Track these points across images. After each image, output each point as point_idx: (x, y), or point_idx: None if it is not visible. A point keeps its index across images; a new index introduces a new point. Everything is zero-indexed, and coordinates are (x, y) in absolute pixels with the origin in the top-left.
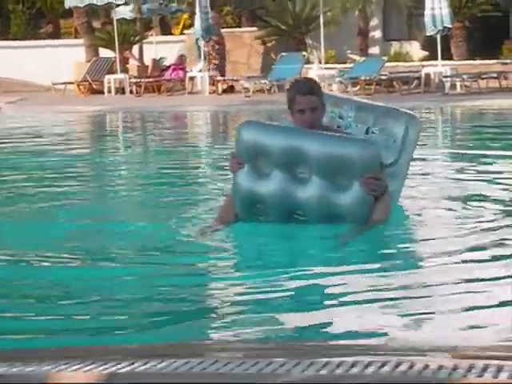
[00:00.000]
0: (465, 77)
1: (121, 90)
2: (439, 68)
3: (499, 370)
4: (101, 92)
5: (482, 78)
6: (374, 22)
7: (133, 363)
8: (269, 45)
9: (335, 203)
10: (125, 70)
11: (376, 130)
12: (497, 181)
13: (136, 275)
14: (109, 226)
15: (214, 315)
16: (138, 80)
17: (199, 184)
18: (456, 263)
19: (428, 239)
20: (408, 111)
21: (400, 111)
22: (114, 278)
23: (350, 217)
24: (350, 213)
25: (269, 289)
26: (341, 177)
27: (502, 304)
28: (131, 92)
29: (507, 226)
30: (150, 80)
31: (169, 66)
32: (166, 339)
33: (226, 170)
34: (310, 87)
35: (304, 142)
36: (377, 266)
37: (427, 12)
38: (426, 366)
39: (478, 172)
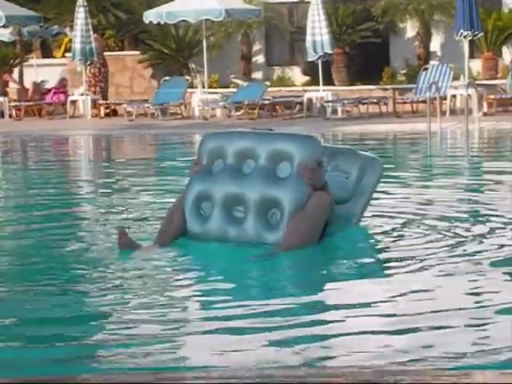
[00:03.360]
0: (345, 102)
1: (0, 114)
2: (321, 93)
3: None
4: None
5: (363, 103)
6: (257, 46)
7: None
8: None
9: (275, 197)
10: (4, 94)
11: (329, 168)
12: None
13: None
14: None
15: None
16: (18, 103)
17: (75, 205)
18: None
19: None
20: (368, 154)
21: (355, 152)
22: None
23: (286, 211)
24: (288, 206)
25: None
26: (281, 169)
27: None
28: (11, 116)
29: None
30: (31, 103)
31: (50, 90)
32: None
33: (103, 188)
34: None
35: (254, 141)
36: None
37: (308, 38)
38: None
39: None
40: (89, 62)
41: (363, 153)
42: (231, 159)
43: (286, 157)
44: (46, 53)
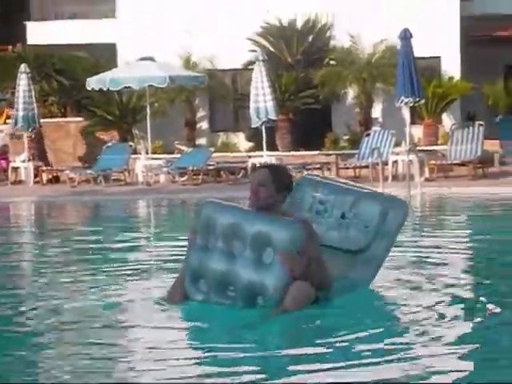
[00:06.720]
0: (290, 167)
1: None
2: (265, 158)
3: None
4: None
5: (307, 169)
6: (201, 113)
7: None
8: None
9: (260, 283)
10: None
11: (351, 214)
12: None
13: None
14: None
15: None
16: None
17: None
18: None
19: None
20: (391, 196)
21: (378, 195)
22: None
23: (272, 293)
24: (272, 291)
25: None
26: (266, 255)
27: None
28: None
29: None
30: None
31: None
32: None
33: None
34: (264, 167)
35: (242, 220)
36: None
37: (252, 104)
38: None
39: None
40: (31, 129)
41: (387, 195)
42: (221, 237)
43: (267, 242)
44: None
